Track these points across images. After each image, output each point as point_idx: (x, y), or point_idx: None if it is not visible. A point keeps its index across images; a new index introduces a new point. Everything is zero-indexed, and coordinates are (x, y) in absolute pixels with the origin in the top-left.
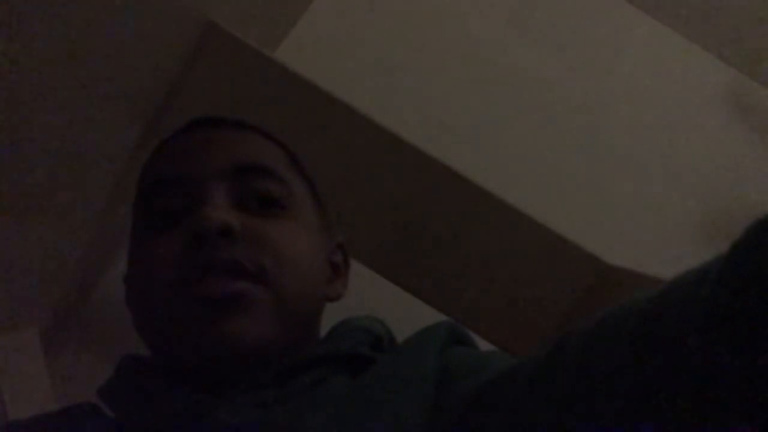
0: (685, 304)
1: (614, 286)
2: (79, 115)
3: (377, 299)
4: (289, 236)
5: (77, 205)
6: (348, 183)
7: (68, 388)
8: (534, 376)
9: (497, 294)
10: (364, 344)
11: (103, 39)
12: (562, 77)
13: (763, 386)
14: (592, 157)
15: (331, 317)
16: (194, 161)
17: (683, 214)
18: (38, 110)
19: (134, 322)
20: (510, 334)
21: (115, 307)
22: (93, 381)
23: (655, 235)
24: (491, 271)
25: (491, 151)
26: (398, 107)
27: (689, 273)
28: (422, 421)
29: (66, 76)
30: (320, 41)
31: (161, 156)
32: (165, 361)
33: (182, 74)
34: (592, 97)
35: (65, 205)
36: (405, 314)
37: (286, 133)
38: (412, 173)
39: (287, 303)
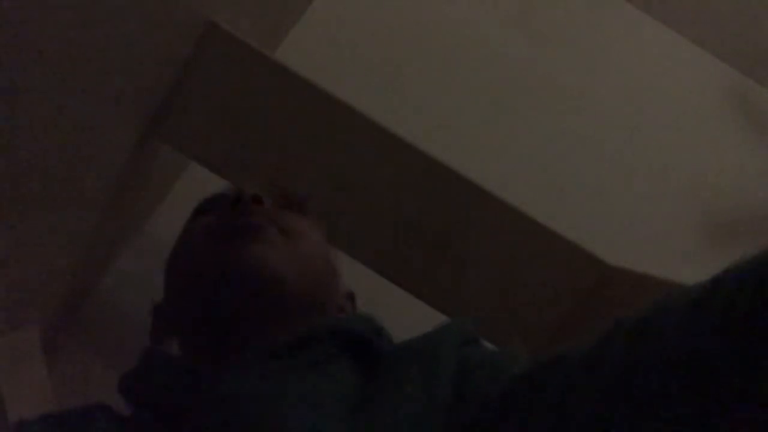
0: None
1: (614, 286)
2: (79, 116)
3: (377, 299)
4: (311, 229)
5: (77, 205)
6: (348, 183)
7: (68, 388)
8: (582, 368)
9: (497, 294)
10: (370, 331)
11: (102, 39)
12: (564, 77)
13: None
14: (593, 157)
15: None
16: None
17: (684, 213)
18: (37, 110)
19: (165, 290)
20: (509, 334)
21: (115, 308)
22: (93, 381)
23: (656, 235)
24: (491, 271)
25: (491, 150)
26: (398, 107)
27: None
28: (438, 411)
29: (65, 76)
30: (320, 41)
31: None
32: (190, 312)
33: (182, 74)
34: (592, 98)
35: (65, 205)
36: (405, 314)
37: (287, 133)
38: (412, 173)
39: (303, 261)
